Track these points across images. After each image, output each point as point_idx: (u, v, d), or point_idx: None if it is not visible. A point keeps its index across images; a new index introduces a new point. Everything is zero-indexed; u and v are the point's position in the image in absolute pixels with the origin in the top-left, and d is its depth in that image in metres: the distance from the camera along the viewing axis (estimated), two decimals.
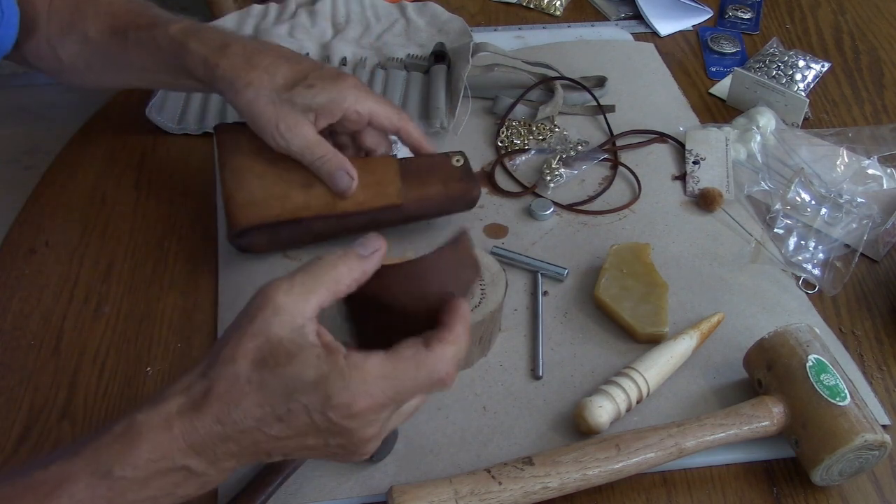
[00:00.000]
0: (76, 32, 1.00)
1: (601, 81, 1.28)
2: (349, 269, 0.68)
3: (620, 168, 1.16)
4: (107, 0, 1.02)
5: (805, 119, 1.23)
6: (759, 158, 1.15)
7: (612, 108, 1.26)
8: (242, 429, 0.64)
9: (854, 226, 1.06)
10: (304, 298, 0.66)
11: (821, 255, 1.04)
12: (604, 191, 1.13)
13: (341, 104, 0.94)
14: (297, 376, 0.64)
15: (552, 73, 1.27)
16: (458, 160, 1.03)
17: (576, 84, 1.26)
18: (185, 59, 0.96)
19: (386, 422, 0.68)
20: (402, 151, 1.07)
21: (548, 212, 1.08)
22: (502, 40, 1.36)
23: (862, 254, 1.04)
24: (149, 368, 0.91)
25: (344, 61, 1.28)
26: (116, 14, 1.00)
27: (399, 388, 0.66)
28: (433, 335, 0.68)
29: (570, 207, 1.10)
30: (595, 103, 1.25)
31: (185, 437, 0.63)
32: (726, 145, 1.16)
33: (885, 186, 1.11)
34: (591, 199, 1.12)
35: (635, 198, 1.12)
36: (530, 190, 1.12)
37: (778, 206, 1.08)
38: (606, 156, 1.17)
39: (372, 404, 0.65)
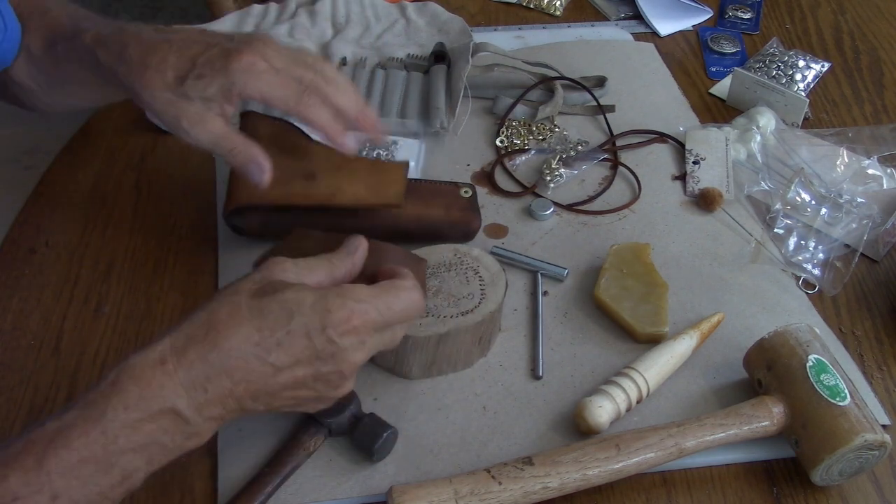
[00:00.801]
0: (23, 49, 0.97)
1: (601, 81, 1.28)
2: (341, 261, 0.78)
3: (620, 168, 1.16)
4: (49, 14, 0.98)
5: (805, 119, 1.23)
6: (759, 158, 1.15)
7: (612, 108, 1.26)
8: (238, 356, 0.68)
9: (854, 226, 1.06)
10: (306, 272, 0.75)
11: (821, 255, 1.04)
12: (604, 191, 1.13)
13: (232, 91, 0.87)
14: (297, 300, 0.70)
15: (552, 73, 1.27)
16: (466, 191, 1.05)
17: (576, 84, 1.26)
18: (100, 71, 0.92)
19: (370, 349, 0.74)
20: (402, 153, 1.07)
21: (548, 212, 1.08)
22: (502, 40, 1.36)
23: (862, 254, 1.04)
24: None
25: (344, 61, 1.28)
26: (50, 25, 0.97)
27: (384, 311, 0.73)
28: (395, 276, 0.78)
29: (570, 207, 1.10)
30: (595, 103, 1.25)
31: (176, 369, 0.66)
32: (726, 145, 1.16)
33: (885, 186, 1.11)
34: (591, 199, 1.12)
35: (635, 198, 1.12)
36: (530, 190, 1.12)
37: (778, 206, 1.08)
38: (606, 156, 1.17)
39: (366, 320, 0.72)
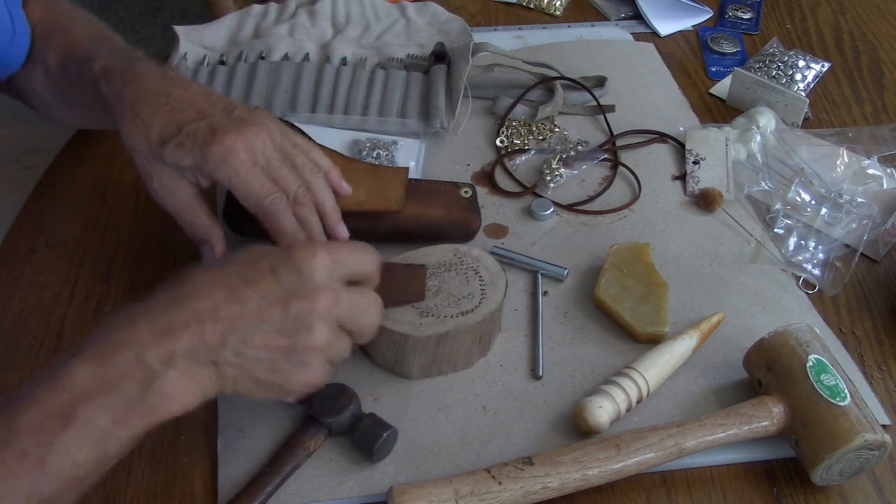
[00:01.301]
0: (41, 62, 0.97)
1: (601, 81, 1.28)
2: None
3: (620, 168, 1.16)
4: (70, 32, 0.98)
5: (805, 119, 1.23)
6: (759, 158, 1.15)
7: (612, 108, 1.26)
8: (206, 296, 0.68)
9: (854, 226, 1.06)
10: None
11: (821, 255, 1.04)
12: (604, 191, 1.13)
13: (203, 169, 0.85)
14: (263, 249, 0.72)
15: (552, 73, 1.27)
16: (466, 191, 1.04)
17: (576, 84, 1.26)
18: (102, 102, 0.90)
19: (344, 304, 0.72)
20: (402, 153, 1.07)
21: (548, 212, 1.08)
22: (502, 40, 1.36)
23: (862, 254, 1.04)
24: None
25: (344, 61, 1.28)
26: (68, 45, 0.96)
27: (343, 261, 0.73)
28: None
29: (570, 207, 1.10)
30: (595, 103, 1.25)
31: (147, 323, 0.66)
32: (726, 145, 1.16)
33: (885, 186, 1.11)
34: (591, 199, 1.12)
35: (635, 198, 1.12)
36: (530, 190, 1.12)
37: (778, 206, 1.08)
38: (606, 156, 1.17)
39: (331, 255, 0.72)
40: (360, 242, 0.78)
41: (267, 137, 0.86)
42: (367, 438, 0.82)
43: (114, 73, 0.89)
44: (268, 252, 0.71)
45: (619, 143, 1.20)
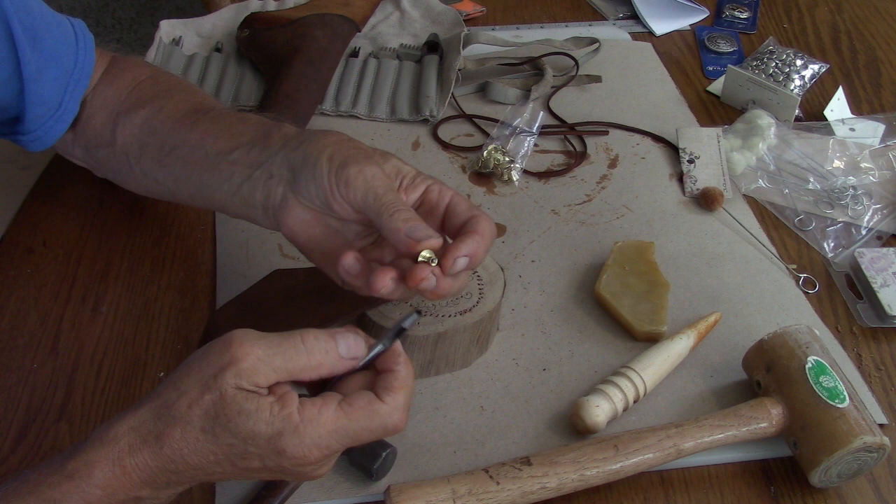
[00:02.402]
0: (151, 106, 0.93)
1: (592, 42, 1.35)
2: (320, 364, 0.67)
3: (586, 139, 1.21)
4: (202, 94, 0.97)
5: (796, 119, 1.23)
6: (772, 165, 1.14)
7: (597, 78, 1.30)
8: (196, 467, 0.65)
9: (884, 212, 1.10)
10: (265, 374, 0.65)
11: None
12: (575, 164, 1.17)
13: (428, 179, 0.79)
14: (251, 431, 0.64)
15: (543, 50, 1.32)
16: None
17: (565, 55, 1.32)
18: (276, 125, 0.85)
19: (337, 458, 0.70)
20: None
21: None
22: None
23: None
24: (162, 373, 0.91)
25: None
26: (209, 103, 0.94)
27: (352, 437, 0.67)
28: (382, 384, 0.68)
29: (543, 175, 1.15)
30: (582, 73, 1.30)
31: (137, 473, 0.64)
32: (718, 142, 1.17)
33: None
34: (560, 170, 1.17)
35: (577, 161, 1.18)
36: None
37: (802, 207, 1.09)
38: (526, 129, 1.20)
39: (326, 453, 0.66)
40: (387, 402, 0.68)
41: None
42: (365, 458, 0.80)
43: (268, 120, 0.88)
44: (257, 440, 0.64)
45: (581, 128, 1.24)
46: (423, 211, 0.78)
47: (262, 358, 0.65)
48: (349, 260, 0.76)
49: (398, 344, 0.70)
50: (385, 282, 0.73)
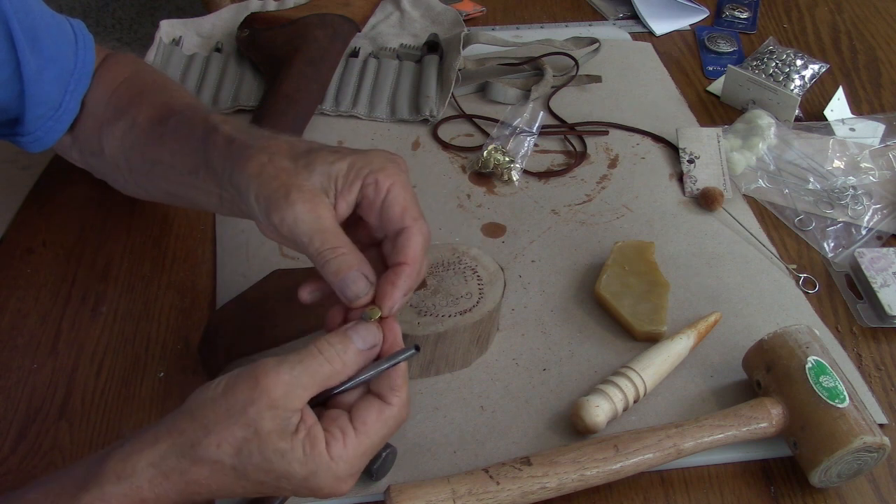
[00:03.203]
0: (126, 118, 0.91)
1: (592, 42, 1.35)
2: (344, 364, 0.68)
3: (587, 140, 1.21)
4: (169, 92, 0.94)
5: (796, 119, 1.23)
6: (772, 165, 1.14)
7: (597, 78, 1.30)
8: (220, 493, 0.66)
9: (884, 212, 1.09)
10: (297, 395, 0.65)
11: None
12: (575, 164, 1.17)
13: (363, 169, 0.73)
14: (286, 471, 0.65)
15: (543, 50, 1.32)
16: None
17: (564, 55, 1.32)
18: (210, 141, 0.81)
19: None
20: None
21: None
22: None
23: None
24: (161, 373, 0.91)
25: None
26: (170, 105, 0.90)
27: (375, 449, 0.69)
28: (387, 384, 0.69)
29: (543, 175, 1.15)
30: (582, 73, 1.30)
31: (155, 503, 0.65)
32: (718, 142, 1.17)
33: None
34: (561, 170, 1.17)
35: (577, 161, 1.17)
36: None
37: (802, 207, 1.09)
38: (526, 129, 1.20)
39: (356, 475, 0.69)
40: (392, 404, 0.69)
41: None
42: None
43: (242, 123, 0.84)
44: (292, 479, 0.66)
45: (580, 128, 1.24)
46: (364, 208, 0.75)
47: (291, 382, 0.65)
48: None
49: (398, 337, 0.71)
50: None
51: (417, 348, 0.71)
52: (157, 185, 0.93)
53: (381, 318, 0.71)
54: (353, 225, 0.76)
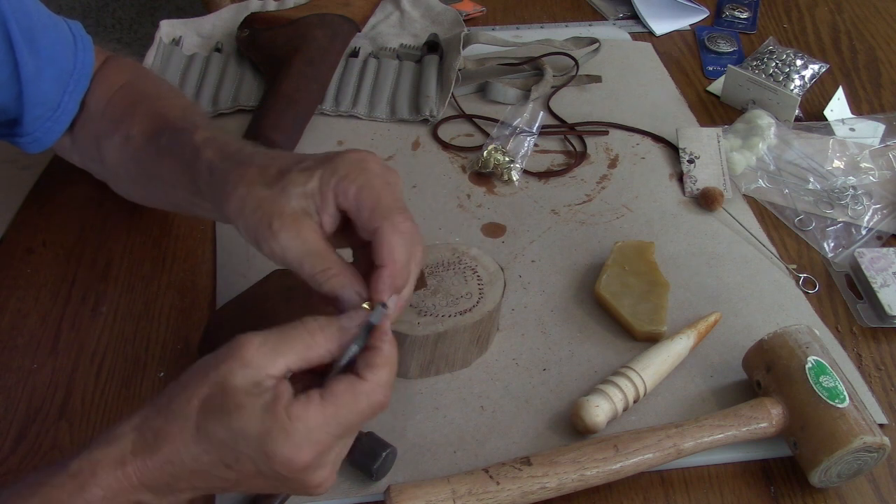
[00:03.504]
0: (121, 130, 0.91)
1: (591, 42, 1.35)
2: (326, 339, 0.66)
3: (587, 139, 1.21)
4: (161, 102, 0.93)
5: (796, 119, 1.23)
6: (772, 165, 1.14)
7: (597, 78, 1.30)
8: (193, 469, 0.64)
9: (884, 212, 1.09)
10: (271, 359, 0.64)
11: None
12: (575, 164, 1.17)
13: (330, 181, 0.73)
14: (241, 429, 0.63)
15: (543, 50, 1.32)
16: None
17: (564, 55, 1.32)
18: (196, 169, 0.81)
19: (335, 460, 0.68)
20: None
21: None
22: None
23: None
24: (162, 373, 0.91)
25: None
26: (163, 116, 0.89)
27: (342, 425, 0.65)
28: (365, 361, 0.67)
29: (543, 175, 1.15)
30: (582, 73, 1.30)
31: (137, 475, 0.64)
32: (718, 142, 1.17)
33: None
34: (560, 170, 1.17)
35: (577, 161, 1.17)
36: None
37: (802, 207, 1.09)
38: (526, 129, 1.20)
39: (318, 451, 0.64)
40: (369, 380, 0.66)
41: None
42: (366, 458, 0.80)
43: (220, 140, 0.82)
44: (247, 440, 0.63)
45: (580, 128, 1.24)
46: (347, 216, 0.74)
47: (267, 345, 0.64)
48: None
49: (386, 322, 0.70)
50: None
51: (385, 305, 0.70)
52: (158, 198, 0.94)
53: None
54: (348, 228, 0.76)
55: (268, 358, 0.64)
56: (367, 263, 0.73)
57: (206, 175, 0.80)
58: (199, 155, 0.80)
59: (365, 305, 0.71)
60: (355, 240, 0.75)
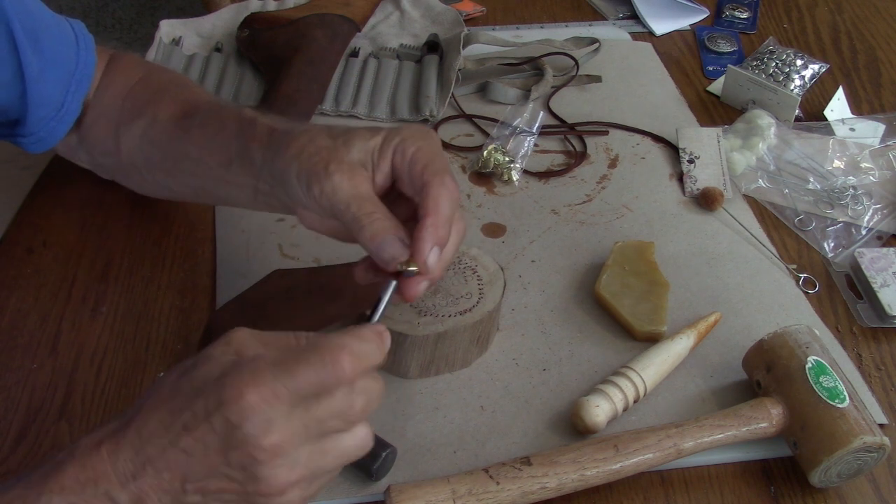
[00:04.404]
0: (146, 116, 0.92)
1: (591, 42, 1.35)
2: (308, 363, 0.62)
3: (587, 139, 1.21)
4: (189, 89, 0.95)
5: (796, 119, 1.23)
6: (772, 165, 1.14)
7: (597, 78, 1.30)
8: (155, 443, 0.62)
9: (884, 212, 1.09)
10: (255, 348, 0.65)
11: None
12: (575, 164, 1.16)
13: (393, 140, 0.77)
14: (206, 375, 0.62)
15: (543, 50, 1.32)
16: None
17: (564, 55, 1.32)
18: (248, 134, 0.83)
19: (298, 457, 0.63)
20: None
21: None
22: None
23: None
24: (162, 373, 0.91)
25: None
26: (193, 102, 0.92)
27: (290, 374, 0.61)
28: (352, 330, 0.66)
29: (543, 175, 1.15)
30: (581, 74, 1.30)
31: (109, 454, 0.62)
32: (718, 142, 1.17)
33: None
34: (560, 169, 1.17)
35: (577, 161, 1.18)
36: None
37: (802, 207, 1.09)
38: (526, 129, 1.20)
39: (265, 395, 0.60)
40: (333, 341, 0.63)
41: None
42: (366, 458, 0.79)
43: (269, 115, 0.85)
44: (206, 384, 0.61)
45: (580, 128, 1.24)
46: (399, 178, 0.78)
47: (255, 334, 0.65)
48: (360, 273, 0.78)
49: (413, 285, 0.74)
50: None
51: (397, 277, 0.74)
52: (183, 182, 0.94)
53: (418, 274, 0.74)
54: (395, 201, 0.79)
55: (252, 346, 0.65)
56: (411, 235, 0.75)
57: (263, 135, 0.82)
58: (254, 122, 0.84)
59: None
60: (400, 212, 0.77)
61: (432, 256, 0.73)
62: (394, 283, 0.74)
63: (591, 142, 1.20)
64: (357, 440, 0.66)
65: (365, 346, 0.65)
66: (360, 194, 0.75)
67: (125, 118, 0.94)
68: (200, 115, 0.90)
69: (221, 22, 1.37)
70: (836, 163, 1.14)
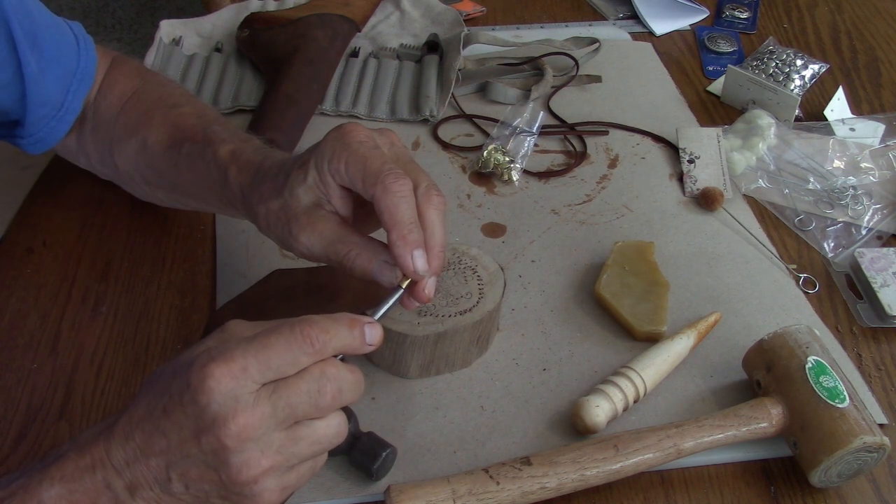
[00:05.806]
0: (137, 139, 0.93)
1: (591, 42, 1.35)
2: (302, 352, 0.64)
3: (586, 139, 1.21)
4: (177, 110, 0.94)
5: (796, 119, 1.23)
6: (772, 165, 1.14)
7: (597, 78, 1.30)
8: (142, 426, 0.62)
9: (884, 212, 1.09)
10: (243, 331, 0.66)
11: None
12: (570, 159, 1.15)
13: (322, 168, 0.76)
14: (186, 356, 0.63)
15: (543, 50, 1.32)
16: None
17: (564, 54, 1.32)
18: (227, 189, 0.85)
19: (270, 442, 0.63)
20: None
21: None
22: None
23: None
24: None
25: None
26: (180, 126, 0.91)
27: (259, 345, 0.62)
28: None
29: (543, 175, 1.15)
30: (582, 73, 1.30)
31: (105, 445, 0.63)
32: (718, 142, 1.17)
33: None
34: (560, 169, 1.17)
35: (577, 161, 1.17)
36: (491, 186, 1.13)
37: (802, 207, 1.09)
38: (526, 129, 1.20)
39: (232, 370, 0.61)
40: (303, 322, 0.65)
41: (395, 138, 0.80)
42: (366, 458, 0.80)
43: (243, 155, 0.85)
44: (183, 364, 0.62)
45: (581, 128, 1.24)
46: (351, 189, 0.77)
47: (247, 323, 0.67)
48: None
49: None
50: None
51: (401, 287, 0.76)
52: (178, 200, 0.98)
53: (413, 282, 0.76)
54: (366, 206, 0.78)
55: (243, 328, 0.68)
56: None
57: (238, 196, 0.84)
58: (227, 177, 0.85)
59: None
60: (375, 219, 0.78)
61: (419, 262, 0.73)
62: (401, 290, 0.76)
63: (591, 142, 1.20)
64: (331, 428, 0.66)
65: (335, 325, 0.66)
66: (331, 240, 0.76)
67: (119, 135, 0.95)
68: (185, 148, 0.90)
69: (221, 22, 1.37)
70: (836, 163, 1.14)
